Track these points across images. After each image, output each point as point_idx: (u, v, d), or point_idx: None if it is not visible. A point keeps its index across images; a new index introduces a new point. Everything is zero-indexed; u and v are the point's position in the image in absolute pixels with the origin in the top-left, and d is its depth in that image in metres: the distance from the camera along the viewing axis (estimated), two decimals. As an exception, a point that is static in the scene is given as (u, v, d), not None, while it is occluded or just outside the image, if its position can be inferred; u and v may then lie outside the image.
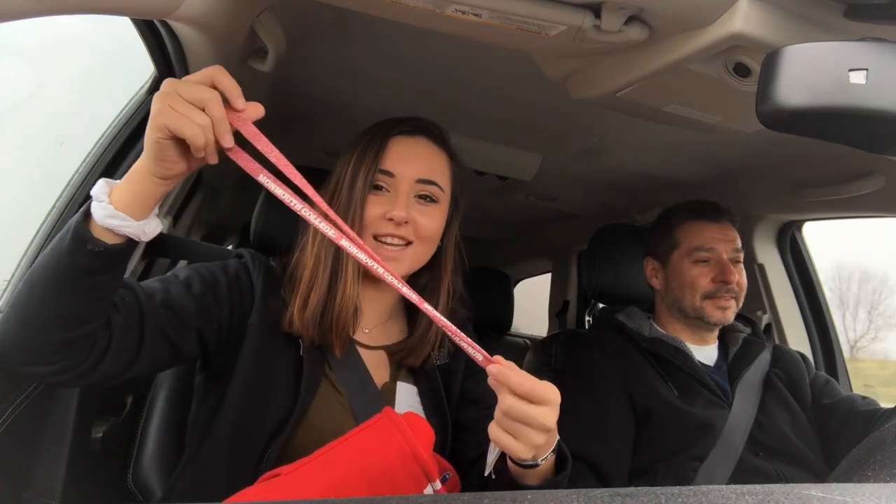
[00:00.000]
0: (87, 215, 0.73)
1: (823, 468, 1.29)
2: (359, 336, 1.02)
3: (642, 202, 2.14)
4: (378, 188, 0.99)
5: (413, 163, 1.00)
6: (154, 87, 1.33)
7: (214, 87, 0.71)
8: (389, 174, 0.99)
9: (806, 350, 1.88)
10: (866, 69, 0.61)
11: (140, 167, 0.74)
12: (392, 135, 1.02)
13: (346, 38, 1.21)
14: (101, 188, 0.74)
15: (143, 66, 1.30)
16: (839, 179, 1.53)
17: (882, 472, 0.61)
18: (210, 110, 0.69)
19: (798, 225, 1.99)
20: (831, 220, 1.87)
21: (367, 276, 0.98)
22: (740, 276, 1.43)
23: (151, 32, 1.16)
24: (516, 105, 1.47)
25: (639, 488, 0.47)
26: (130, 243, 0.75)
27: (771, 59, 0.64)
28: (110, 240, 0.73)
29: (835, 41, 0.64)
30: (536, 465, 0.78)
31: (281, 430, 0.89)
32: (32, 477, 1.10)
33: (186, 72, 1.24)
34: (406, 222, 0.97)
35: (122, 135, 1.28)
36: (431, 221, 1.00)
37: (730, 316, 1.42)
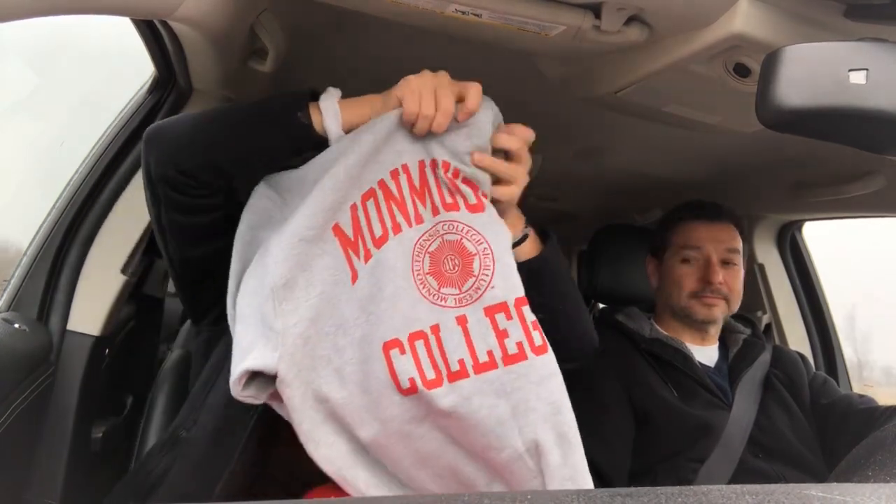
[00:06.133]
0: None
1: (823, 470, 1.29)
2: None
3: (642, 202, 2.14)
4: None
5: None
6: (154, 86, 1.33)
7: None
8: None
9: (806, 350, 1.88)
10: (866, 69, 0.61)
11: (368, 99, 0.91)
12: None
13: (347, 38, 1.21)
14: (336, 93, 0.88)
15: (143, 66, 1.30)
16: (839, 179, 1.52)
17: (882, 472, 0.61)
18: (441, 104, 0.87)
19: (798, 225, 1.99)
20: (831, 220, 1.88)
21: None
22: (731, 277, 1.41)
23: (151, 32, 1.16)
24: (516, 105, 1.46)
25: (639, 488, 0.47)
26: (313, 142, 0.87)
27: (771, 59, 0.64)
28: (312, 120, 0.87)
29: (835, 41, 0.64)
30: (525, 239, 0.95)
31: (270, 430, 0.93)
32: (32, 477, 1.10)
33: (186, 72, 1.24)
34: None
35: (123, 135, 1.28)
36: None
37: (716, 314, 1.41)
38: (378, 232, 0.85)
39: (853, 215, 1.75)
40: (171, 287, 1.94)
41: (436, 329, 0.81)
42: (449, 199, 0.87)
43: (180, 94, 1.31)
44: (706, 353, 1.45)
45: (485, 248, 0.85)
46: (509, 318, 0.82)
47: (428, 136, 0.88)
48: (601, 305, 2.01)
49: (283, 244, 0.82)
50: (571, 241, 2.72)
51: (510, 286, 0.84)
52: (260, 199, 0.89)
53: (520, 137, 0.93)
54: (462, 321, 0.81)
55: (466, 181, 0.87)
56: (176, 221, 0.91)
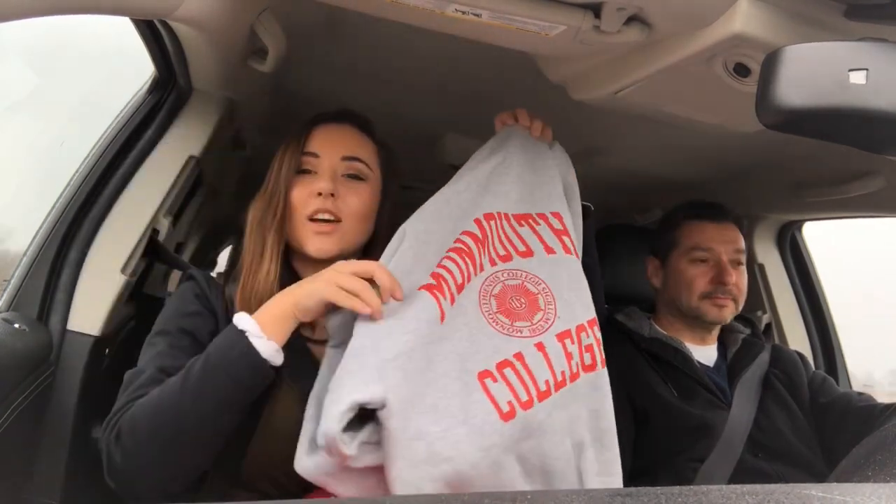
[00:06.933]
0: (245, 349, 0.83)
1: (823, 469, 1.29)
2: (318, 333, 1.02)
3: (642, 202, 2.14)
4: (305, 172, 1.03)
5: (337, 143, 1.04)
6: (154, 86, 1.33)
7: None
8: (314, 155, 1.03)
9: (806, 350, 1.88)
10: (866, 69, 0.61)
11: (288, 314, 0.86)
12: (316, 123, 1.07)
13: (347, 38, 1.21)
14: (254, 325, 0.84)
15: (143, 66, 1.30)
16: (839, 179, 1.53)
17: (882, 472, 0.61)
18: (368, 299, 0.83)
19: (798, 225, 1.99)
20: (831, 220, 1.88)
21: (308, 262, 1.03)
22: (739, 278, 1.42)
23: (151, 32, 1.16)
24: (516, 105, 1.46)
25: (639, 488, 0.47)
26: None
27: (771, 59, 0.64)
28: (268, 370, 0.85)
29: (835, 41, 0.64)
30: None
31: (242, 434, 0.90)
32: (32, 477, 1.10)
33: (186, 72, 1.24)
34: (332, 195, 1.00)
35: (122, 135, 1.28)
36: (359, 198, 1.03)
37: (727, 315, 1.42)
38: (459, 279, 0.93)
39: (853, 215, 1.75)
40: (171, 287, 1.94)
41: (519, 356, 0.88)
42: (502, 252, 0.99)
43: (180, 93, 1.31)
44: (705, 353, 1.45)
45: (544, 288, 0.97)
46: (573, 342, 0.93)
47: (479, 193, 1.02)
48: (601, 305, 2.01)
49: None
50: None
51: (570, 316, 0.95)
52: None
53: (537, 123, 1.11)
54: (541, 347, 0.90)
55: (525, 225, 1.01)
56: None
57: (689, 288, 1.43)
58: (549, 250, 1.00)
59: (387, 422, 0.77)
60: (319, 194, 0.99)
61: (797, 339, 1.90)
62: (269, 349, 0.83)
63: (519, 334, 0.91)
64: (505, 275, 0.97)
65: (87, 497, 1.21)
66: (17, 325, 1.06)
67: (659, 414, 1.32)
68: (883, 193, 1.47)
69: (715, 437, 1.28)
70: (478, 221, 0.99)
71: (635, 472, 1.29)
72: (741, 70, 0.94)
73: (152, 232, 1.29)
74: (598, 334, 0.97)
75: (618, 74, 1.05)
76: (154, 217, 1.27)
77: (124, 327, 1.34)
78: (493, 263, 0.97)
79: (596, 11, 0.89)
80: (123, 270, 1.22)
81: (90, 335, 1.17)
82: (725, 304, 1.41)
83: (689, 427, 1.30)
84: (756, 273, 1.93)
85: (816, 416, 1.38)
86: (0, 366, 0.96)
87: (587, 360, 0.94)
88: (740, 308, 1.44)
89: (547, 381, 0.88)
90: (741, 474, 1.24)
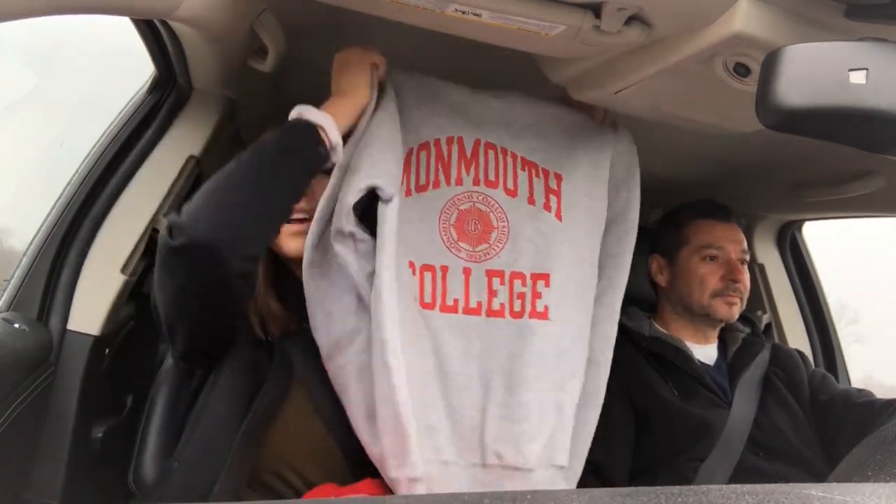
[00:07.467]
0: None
1: (823, 468, 1.29)
2: None
3: (642, 202, 2.13)
4: None
5: None
6: (154, 86, 1.33)
7: None
8: None
9: (806, 350, 1.88)
10: (866, 69, 0.61)
11: (350, 100, 0.97)
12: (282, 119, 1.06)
13: (346, 37, 1.21)
14: (317, 113, 0.93)
15: (143, 66, 1.30)
16: (839, 179, 1.52)
17: (882, 471, 0.61)
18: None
19: (798, 225, 1.99)
20: (831, 220, 1.88)
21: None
22: (746, 277, 1.44)
23: (151, 32, 1.16)
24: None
25: (639, 488, 0.47)
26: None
27: (771, 59, 0.64)
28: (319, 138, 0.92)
29: (835, 41, 0.64)
30: None
31: (257, 435, 0.93)
32: (32, 477, 1.10)
33: (186, 71, 1.24)
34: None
35: (122, 135, 1.28)
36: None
37: (736, 313, 1.43)
38: (422, 181, 1.01)
39: (853, 215, 1.75)
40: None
41: (444, 269, 0.99)
42: (492, 178, 1.05)
43: (180, 93, 1.31)
44: (706, 352, 1.45)
45: (504, 226, 1.04)
46: (502, 283, 1.01)
47: (493, 124, 1.08)
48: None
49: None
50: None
51: (511, 260, 1.02)
52: None
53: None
54: (466, 272, 1.00)
55: (526, 170, 1.07)
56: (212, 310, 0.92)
57: (701, 286, 1.43)
58: (531, 201, 1.06)
59: (387, 211, 0.91)
60: None
61: (797, 339, 1.90)
62: (325, 119, 0.91)
63: (456, 253, 1.00)
64: (480, 197, 1.04)
65: (87, 497, 1.21)
66: (17, 325, 1.06)
67: (659, 414, 1.32)
68: (883, 193, 1.47)
69: (715, 436, 1.28)
70: (477, 143, 1.05)
71: (635, 472, 1.29)
72: (741, 70, 0.94)
73: (152, 232, 1.29)
74: (544, 291, 1.01)
75: (618, 74, 1.05)
76: (154, 217, 1.27)
77: (124, 327, 1.34)
78: (476, 183, 1.04)
79: (596, 11, 0.89)
80: (123, 270, 1.22)
81: (90, 335, 1.17)
82: (735, 303, 1.42)
83: (689, 427, 1.30)
84: (756, 273, 1.93)
85: (817, 413, 1.38)
86: (0, 366, 0.96)
87: (516, 306, 1.00)
88: (744, 306, 1.46)
89: (456, 300, 0.98)
90: (741, 474, 1.24)
